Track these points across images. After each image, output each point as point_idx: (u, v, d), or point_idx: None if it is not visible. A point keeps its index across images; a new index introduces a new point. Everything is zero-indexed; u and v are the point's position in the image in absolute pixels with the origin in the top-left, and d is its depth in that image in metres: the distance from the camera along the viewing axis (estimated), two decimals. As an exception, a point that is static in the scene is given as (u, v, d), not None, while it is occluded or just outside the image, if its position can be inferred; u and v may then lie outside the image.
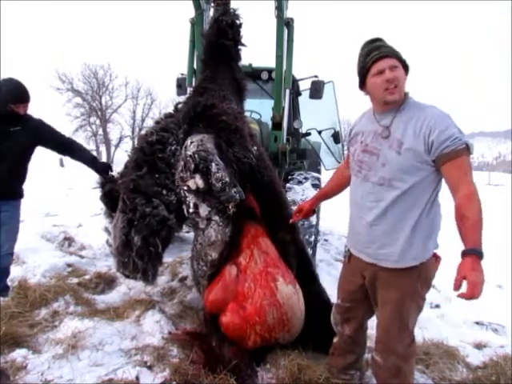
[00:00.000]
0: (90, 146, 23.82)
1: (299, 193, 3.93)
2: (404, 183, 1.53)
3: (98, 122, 24.36)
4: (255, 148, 2.36)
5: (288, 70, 3.88)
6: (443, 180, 1.56)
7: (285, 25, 3.75)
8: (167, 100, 25.94)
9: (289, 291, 2.01)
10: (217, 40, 2.88)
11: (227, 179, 2.02)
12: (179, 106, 2.77)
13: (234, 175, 2.13)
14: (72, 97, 22.99)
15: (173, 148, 2.32)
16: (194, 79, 4.08)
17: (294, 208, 2.79)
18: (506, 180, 23.81)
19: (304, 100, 5.25)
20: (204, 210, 2.12)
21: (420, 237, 1.55)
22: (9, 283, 2.78)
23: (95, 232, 4.22)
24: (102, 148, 23.97)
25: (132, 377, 1.84)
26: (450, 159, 1.43)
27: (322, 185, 4.60)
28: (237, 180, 2.12)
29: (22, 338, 2.12)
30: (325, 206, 2.25)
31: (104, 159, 22.11)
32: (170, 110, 2.85)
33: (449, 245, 1.89)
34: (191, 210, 2.13)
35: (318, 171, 5.55)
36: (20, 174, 2.77)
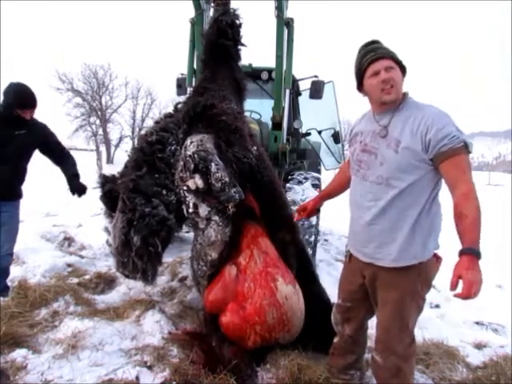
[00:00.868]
0: (89, 145, 23.85)
1: (299, 193, 3.94)
2: (402, 182, 1.53)
3: (97, 122, 24.34)
4: (255, 148, 2.36)
5: (288, 70, 3.88)
6: (442, 180, 1.57)
7: (285, 25, 3.75)
8: (167, 100, 25.93)
9: (289, 291, 2.01)
10: (217, 40, 2.88)
11: (227, 179, 2.02)
12: (179, 105, 2.77)
13: (234, 175, 2.13)
14: (72, 97, 22.97)
15: (172, 148, 2.32)
16: (194, 79, 4.08)
17: (294, 208, 2.79)
18: (506, 180, 23.81)
19: (304, 100, 5.26)
20: (204, 210, 2.12)
21: (419, 236, 1.55)
22: (9, 283, 2.79)
23: (95, 232, 4.22)
24: (102, 148, 23.95)
25: (132, 377, 1.84)
26: (447, 157, 1.43)
27: (322, 185, 4.62)
28: (236, 180, 2.12)
29: (22, 338, 2.12)
30: (325, 206, 2.25)
31: (104, 159, 22.11)
32: (170, 110, 2.85)
33: (450, 245, 1.88)
34: (191, 210, 2.13)
35: (318, 171, 5.55)
36: (20, 175, 2.79)
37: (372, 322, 1.86)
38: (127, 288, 3.07)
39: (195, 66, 4.02)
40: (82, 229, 4.85)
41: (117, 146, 25.17)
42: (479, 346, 2.58)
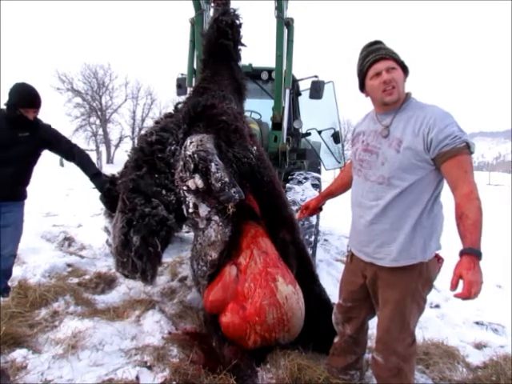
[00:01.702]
0: (89, 145, 23.85)
1: (299, 193, 3.94)
2: (403, 182, 1.53)
3: (98, 122, 24.32)
4: (255, 148, 2.36)
5: (288, 70, 3.88)
6: (444, 180, 1.57)
7: (285, 25, 3.76)
8: (167, 100, 25.94)
9: (289, 291, 2.01)
10: (217, 40, 2.88)
11: (227, 179, 2.02)
12: (179, 105, 2.77)
13: (234, 175, 2.13)
14: (72, 97, 22.93)
15: (172, 148, 2.32)
16: (194, 79, 4.08)
17: (294, 208, 2.80)
18: (506, 180, 23.80)
19: (304, 100, 5.26)
20: (204, 209, 2.12)
21: (420, 236, 1.55)
22: (9, 283, 2.79)
23: (95, 232, 4.22)
24: (102, 148, 23.92)
25: (132, 377, 1.84)
26: (449, 157, 1.42)
27: (322, 185, 4.62)
28: (236, 180, 2.12)
29: (22, 338, 2.12)
30: (325, 206, 2.25)
31: (104, 159, 22.11)
32: (170, 110, 2.85)
33: (451, 245, 1.88)
34: (191, 210, 2.13)
35: (318, 171, 5.55)
36: (24, 177, 2.77)
37: (372, 322, 1.86)
38: (127, 288, 3.07)
39: (195, 66, 4.02)
40: (82, 229, 4.85)
41: (117, 146, 25.15)
42: (479, 346, 2.57)
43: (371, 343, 2.06)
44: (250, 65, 4.72)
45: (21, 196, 2.78)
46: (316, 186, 4.22)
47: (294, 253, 2.34)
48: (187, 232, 4.50)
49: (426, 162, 1.49)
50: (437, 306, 3.33)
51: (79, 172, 2.88)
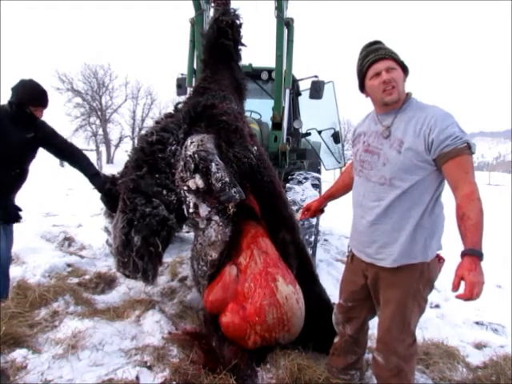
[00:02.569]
0: (89, 145, 23.84)
1: (299, 193, 3.94)
2: (404, 182, 1.53)
3: (98, 122, 24.32)
4: (255, 148, 2.36)
5: (288, 70, 3.88)
6: (445, 181, 1.57)
7: (285, 25, 3.76)
8: (167, 100, 25.93)
9: (289, 291, 2.01)
10: (217, 40, 2.88)
11: (227, 179, 2.02)
12: (179, 105, 2.76)
13: (234, 175, 2.13)
14: (72, 97, 22.91)
15: (173, 148, 2.32)
16: (194, 79, 4.08)
17: (295, 208, 2.80)
18: (506, 180, 23.80)
19: (304, 100, 5.26)
20: (204, 209, 2.12)
21: (421, 237, 1.55)
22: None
23: (95, 232, 4.23)
24: (102, 148, 23.91)
25: (132, 377, 1.84)
26: (450, 158, 1.42)
27: (322, 185, 4.62)
28: (237, 180, 2.12)
29: (22, 338, 2.12)
30: (327, 206, 2.25)
31: (104, 159, 22.09)
32: (170, 110, 2.85)
33: (452, 246, 1.88)
34: (191, 210, 2.13)
35: (318, 171, 5.55)
36: (24, 179, 2.68)
37: (373, 322, 1.86)
38: (127, 288, 3.07)
39: (195, 66, 4.02)
40: (82, 229, 4.85)
41: (117, 145, 25.15)
42: (479, 346, 2.58)
43: (371, 343, 2.06)
44: (250, 65, 4.72)
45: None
46: (316, 186, 4.22)
47: (293, 253, 2.34)
48: (187, 232, 4.50)
49: (427, 163, 1.49)
50: (437, 306, 3.33)
51: (79, 172, 2.84)
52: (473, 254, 1.33)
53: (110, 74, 24.18)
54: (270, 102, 4.02)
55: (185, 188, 2.12)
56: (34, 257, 3.51)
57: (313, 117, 5.54)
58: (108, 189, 2.54)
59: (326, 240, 5.40)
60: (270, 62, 4.09)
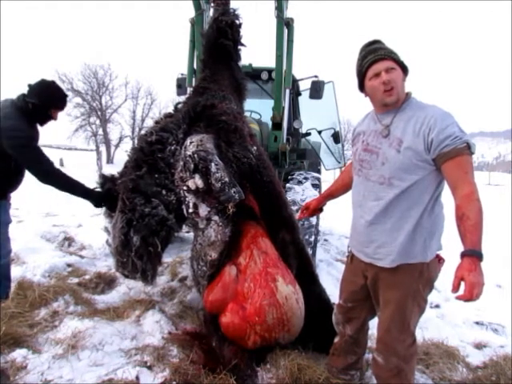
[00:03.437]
0: (89, 145, 23.83)
1: (299, 193, 3.94)
2: (404, 182, 1.53)
3: (98, 122, 24.32)
4: (255, 148, 2.36)
5: (288, 70, 3.88)
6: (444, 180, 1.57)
7: (285, 25, 3.76)
8: (167, 100, 25.93)
9: (289, 291, 2.01)
10: (216, 40, 2.88)
11: (227, 179, 2.02)
12: (179, 105, 2.77)
13: (234, 175, 2.13)
14: (72, 97, 22.90)
15: (172, 148, 2.32)
16: (194, 79, 4.08)
17: (294, 208, 2.80)
18: (506, 180, 23.79)
19: (304, 100, 5.26)
20: (203, 209, 2.12)
21: (421, 237, 1.54)
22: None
23: (95, 232, 4.22)
24: (102, 148, 23.91)
25: (132, 377, 1.84)
26: (450, 158, 1.42)
27: (322, 185, 4.62)
28: (236, 180, 2.12)
29: (22, 338, 2.12)
30: (325, 206, 2.25)
31: (104, 159, 22.09)
32: (170, 110, 2.85)
33: (451, 246, 1.88)
34: (191, 210, 2.13)
35: (318, 171, 5.55)
36: (21, 174, 2.68)
37: (373, 323, 1.86)
38: (127, 288, 3.07)
39: (195, 66, 4.02)
40: (82, 229, 4.85)
41: (117, 146, 25.15)
42: (479, 346, 2.58)
43: (371, 343, 2.06)
44: (250, 65, 4.72)
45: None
46: (316, 186, 4.22)
47: (293, 253, 2.34)
48: (187, 232, 4.50)
49: (427, 163, 1.49)
50: (437, 306, 3.33)
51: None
52: (472, 255, 1.32)
53: (110, 74, 24.20)
54: (270, 102, 4.02)
55: (184, 188, 2.12)
56: (33, 257, 3.51)
57: (313, 117, 5.55)
58: (107, 189, 2.54)
59: (326, 240, 5.40)
60: (270, 61, 4.10)
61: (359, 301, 1.79)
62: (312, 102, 4.70)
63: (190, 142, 2.12)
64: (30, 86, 2.48)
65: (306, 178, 4.32)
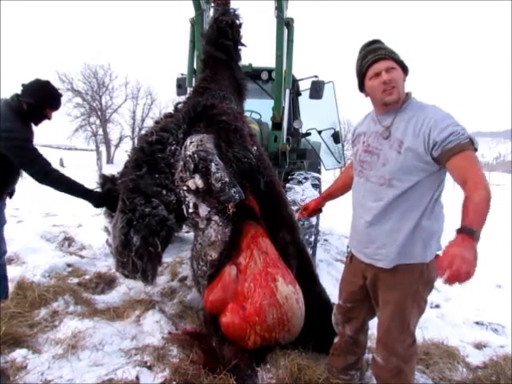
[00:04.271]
0: (89, 145, 23.85)
1: (299, 193, 3.94)
2: (404, 183, 1.52)
3: (97, 122, 24.34)
4: (255, 148, 2.36)
5: (288, 70, 3.88)
6: (445, 181, 1.56)
7: (285, 25, 3.75)
8: (167, 100, 25.96)
9: (289, 291, 2.01)
10: (216, 40, 2.88)
11: (227, 179, 2.02)
12: (179, 106, 2.76)
13: (234, 175, 2.13)
14: (72, 97, 22.93)
15: (172, 148, 2.32)
16: (194, 79, 4.08)
17: (294, 208, 2.79)
18: (506, 180, 23.79)
19: (304, 100, 5.26)
20: (204, 209, 2.12)
21: (420, 237, 1.54)
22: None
23: (95, 232, 4.22)
24: (102, 148, 23.93)
25: (132, 377, 1.84)
26: (455, 153, 1.39)
27: (322, 185, 4.62)
28: (237, 180, 2.12)
29: (22, 338, 2.12)
30: (325, 206, 2.25)
31: (104, 159, 22.11)
32: (170, 110, 2.85)
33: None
34: (191, 210, 2.13)
35: (318, 171, 5.55)
36: (17, 173, 2.65)
37: (372, 323, 1.86)
38: (127, 288, 3.07)
39: (195, 66, 4.02)
40: (82, 229, 4.85)
41: (117, 146, 25.16)
42: (479, 346, 2.57)
43: (371, 343, 2.06)
44: (250, 65, 4.72)
45: None
46: (316, 186, 4.22)
47: (293, 253, 2.34)
48: (187, 232, 4.50)
49: (427, 164, 1.48)
50: (437, 306, 3.33)
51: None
52: (465, 232, 1.27)
53: (110, 74, 24.22)
54: (270, 102, 4.02)
55: (184, 188, 2.12)
56: (33, 257, 3.51)
57: (313, 117, 5.54)
58: (107, 189, 2.54)
59: (326, 240, 5.40)
60: (270, 61, 4.09)
61: (359, 301, 1.79)
62: (312, 101, 4.70)
63: (190, 142, 2.12)
64: (23, 85, 2.46)
65: (306, 178, 4.32)
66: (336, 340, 1.94)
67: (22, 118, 2.41)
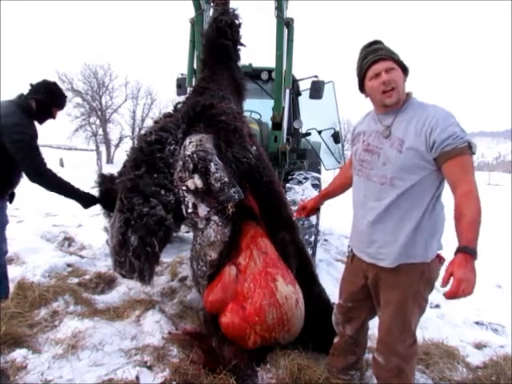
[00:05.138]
0: (89, 145, 23.84)
1: (299, 193, 3.94)
2: (405, 182, 1.53)
3: (98, 122, 24.34)
4: (254, 148, 2.36)
5: (288, 70, 3.88)
6: (445, 181, 1.56)
7: (285, 25, 3.76)
8: (167, 100, 25.98)
9: (288, 291, 2.01)
10: (216, 40, 2.88)
11: (226, 179, 2.02)
12: (178, 105, 2.76)
13: (233, 175, 2.13)
14: (72, 97, 22.92)
15: (172, 148, 2.31)
16: (194, 79, 4.08)
17: (294, 208, 2.79)
18: (506, 180, 23.79)
19: (304, 100, 5.26)
20: (203, 210, 2.12)
21: (422, 237, 1.54)
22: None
23: (95, 232, 4.22)
24: (102, 148, 23.93)
25: (132, 377, 1.84)
26: (451, 157, 1.42)
27: (322, 185, 4.62)
28: (236, 180, 2.11)
29: (22, 338, 2.12)
30: (325, 206, 2.25)
31: (104, 159, 22.10)
32: (170, 109, 2.85)
33: (452, 245, 1.88)
34: (190, 210, 2.13)
35: (318, 171, 5.55)
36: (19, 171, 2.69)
37: (373, 323, 1.85)
38: (127, 288, 3.07)
39: (195, 66, 4.02)
40: (82, 229, 4.85)
41: (117, 146, 25.17)
42: (479, 346, 2.57)
43: (371, 343, 2.06)
44: (250, 65, 4.72)
45: None
46: (316, 186, 4.22)
47: (293, 253, 2.33)
48: (187, 232, 4.50)
49: (428, 163, 1.49)
50: (437, 306, 3.32)
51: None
52: (465, 251, 1.33)
53: (110, 74, 24.24)
54: (270, 102, 4.02)
55: (183, 188, 2.12)
56: (33, 257, 3.51)
57: (313, 117, 5.55)
58: (99, 190, 2.55)
59: (326, 240, 5.40)
60: (270, 61, 4.10)
61: (359, 301, 1.79)
62: (312, 101, 4.70)
63: (190, 142, 2.12)
64: (32, 85, 2.55)
65: (306, 178, 4.32)
66: (336, 340, 1.94)
67: (28, 116, 2.48)
